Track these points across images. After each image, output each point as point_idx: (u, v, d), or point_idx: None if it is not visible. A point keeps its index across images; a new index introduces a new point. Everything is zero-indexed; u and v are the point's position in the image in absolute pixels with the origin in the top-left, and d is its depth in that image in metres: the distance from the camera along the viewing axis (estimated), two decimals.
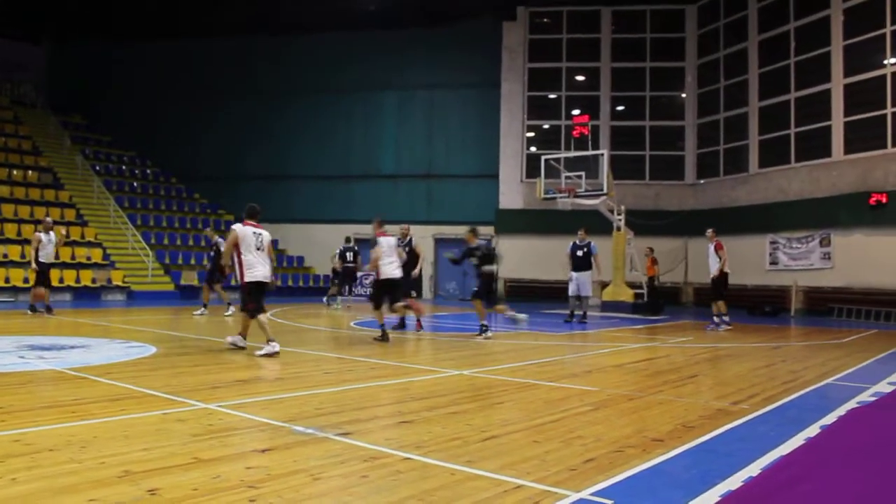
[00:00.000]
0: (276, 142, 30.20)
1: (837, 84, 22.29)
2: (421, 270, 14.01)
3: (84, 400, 5.71)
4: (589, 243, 16.46)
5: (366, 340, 11.22)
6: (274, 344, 8.88)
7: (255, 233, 9.16)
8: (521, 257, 26.14)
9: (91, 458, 3.99)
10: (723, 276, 14.85)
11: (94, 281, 21.62)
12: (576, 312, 16.50)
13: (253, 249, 9.07)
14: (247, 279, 9.11)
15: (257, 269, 9.09)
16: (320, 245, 28.52)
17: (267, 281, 9.21)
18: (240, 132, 30.40)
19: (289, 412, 5.40)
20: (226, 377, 7.18)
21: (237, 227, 9.17)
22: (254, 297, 9.20)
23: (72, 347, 9.28)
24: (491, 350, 10.49)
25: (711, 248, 14.86)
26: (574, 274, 16.45)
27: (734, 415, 5.69)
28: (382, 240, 11.53)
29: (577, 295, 16.46)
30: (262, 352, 8.82)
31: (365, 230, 29.18)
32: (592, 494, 3.57)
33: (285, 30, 30.14)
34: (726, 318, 15.16)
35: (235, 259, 9.18)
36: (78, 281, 21.33)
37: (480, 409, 5.76)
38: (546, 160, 21.93)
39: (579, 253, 16.41)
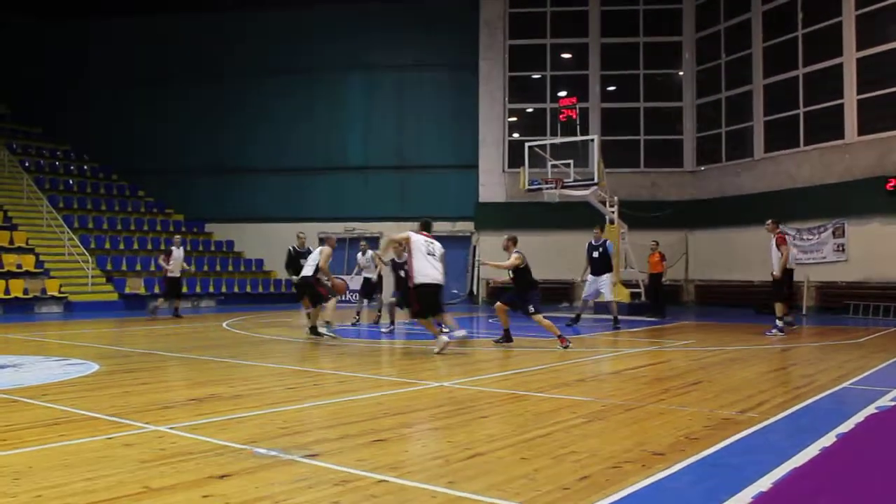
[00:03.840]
0: (231, 133, 30.02)
1: (850, 58, 22.54)
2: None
3: (17, 426, 5.65)
4: (604, 242, 16.47)
5: (334, 351, 11.22)
6: (448, 334, 11.02)
7: (426, 241, 11.02)
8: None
9: (25, 492, 3.95)
10: (786, 273, 14.59)
11: (25, 292, 21.37)
12: (582, 315, 16.74)
13: (425, 254, 10.87)
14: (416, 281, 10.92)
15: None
16: (282, 246, 28.33)
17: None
18: (189, 122, 30.18)
19: (249, 433, 5.39)
20: (178, 396, 7.16)
21: (410, 233, 11.11)
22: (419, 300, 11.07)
23: (1, 367, 9.18)
24: (474, 359, 10.52)
25: (773, 241, 14.57)
26: (591, 277, 16.49)
27: (742, 424, 5.74)
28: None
29: (590, 300, 16.54)
30: (445, 339, 10.72)
31: (332, 228, 29.19)
32: None
33: (237, 5, 29.98)
34: (789, 319, 14.97)
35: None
36: (7, 292, 21.07)
37: (463, 425, 5.79)
38: (530, 147, 22.00)
39: (595, 254, 16.42)
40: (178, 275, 18.99)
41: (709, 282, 26.41)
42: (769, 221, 14.72)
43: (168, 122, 30.28)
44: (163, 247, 26.03)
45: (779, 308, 14.38)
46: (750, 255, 22.95)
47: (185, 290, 22.49)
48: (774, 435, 5.46)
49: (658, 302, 19.61)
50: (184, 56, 30.40)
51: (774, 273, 14.39)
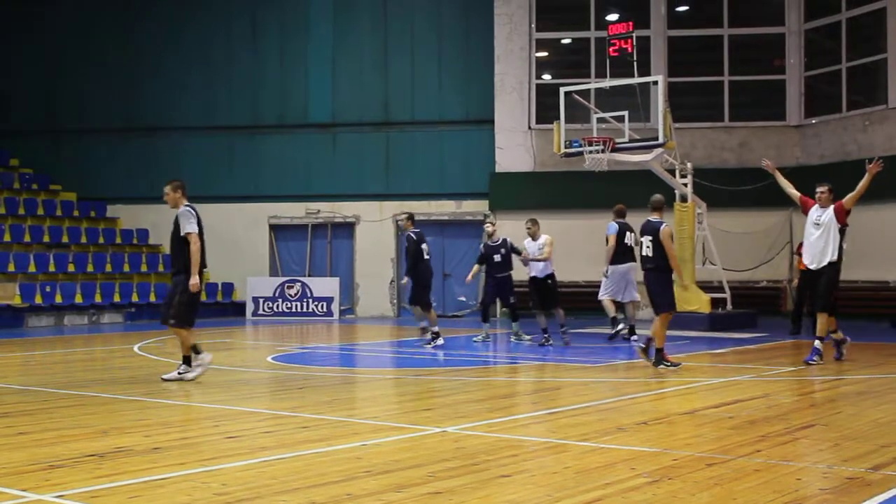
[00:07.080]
0: (143, 77, 29.71)
1: None
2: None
3: None
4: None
5: (294, 384, 11.19)
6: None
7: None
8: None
9: None
10: None
11: None
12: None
13: None
14: None
15: None
16: (215, 236, 28.32)
17: None
18: (84, 62, 29.94)
19: (173, 502, 5.37)
20: (71, 449, 7.07)
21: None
22: None
23: None
24: (489, 394, 10.48)
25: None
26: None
27: (876, 486, 5.71)
28: None
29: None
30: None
31: (287, 211, 29.16)
32: None
33: None
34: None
35: None
36: None
37: (476, 487, 5.77)
38: (567, 94, 21.91)
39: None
40: None
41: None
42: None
43: (55, 63, 30.07)
44: (46, 238, 25.99)
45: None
46: (884, 243, 22.88)
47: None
48: None
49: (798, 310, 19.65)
50: None
51: None
